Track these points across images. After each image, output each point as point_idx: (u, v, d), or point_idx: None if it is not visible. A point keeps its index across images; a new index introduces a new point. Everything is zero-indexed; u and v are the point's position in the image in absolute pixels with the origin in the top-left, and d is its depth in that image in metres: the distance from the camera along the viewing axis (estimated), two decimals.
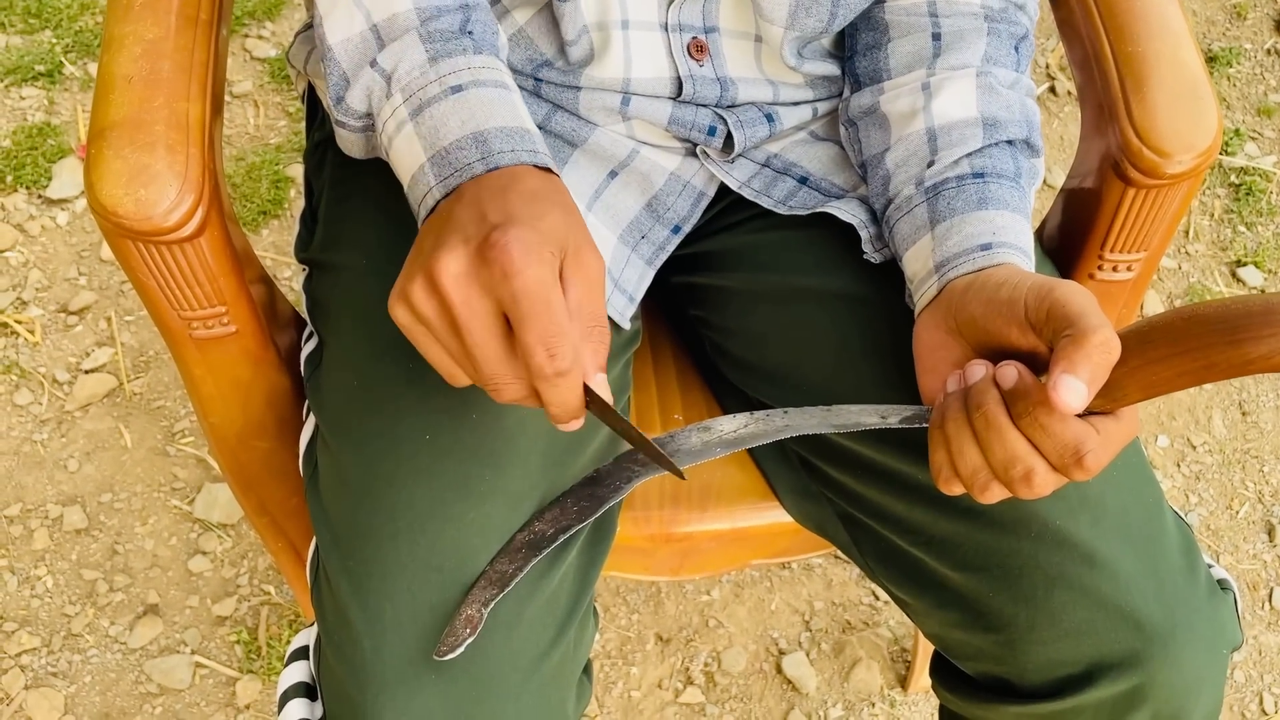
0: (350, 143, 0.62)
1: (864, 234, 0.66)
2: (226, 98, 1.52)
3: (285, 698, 0.61)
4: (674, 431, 0.59)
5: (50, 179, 1.41)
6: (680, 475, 0.54)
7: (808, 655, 1.15)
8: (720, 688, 1.13)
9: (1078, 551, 0.58)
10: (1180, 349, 0.49)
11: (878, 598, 1.20)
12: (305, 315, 0.73)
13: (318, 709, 0.60)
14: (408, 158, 0.56)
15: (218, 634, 1.13)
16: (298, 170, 1.44)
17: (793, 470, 0.72)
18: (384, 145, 0.58)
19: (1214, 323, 0.49)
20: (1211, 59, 1.72)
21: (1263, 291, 1.48)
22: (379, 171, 0.66)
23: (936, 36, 0.66)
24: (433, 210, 0.54)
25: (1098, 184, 0.70)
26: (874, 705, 1.13)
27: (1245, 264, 1.50)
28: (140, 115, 0.62)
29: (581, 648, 0.62)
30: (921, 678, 1.10)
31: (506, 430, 0.60)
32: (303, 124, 1.33)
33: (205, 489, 1.21)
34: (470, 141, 0.54)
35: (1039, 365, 0.52)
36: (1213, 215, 1.54)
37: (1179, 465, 1.33)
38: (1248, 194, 1.56)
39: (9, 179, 1.40)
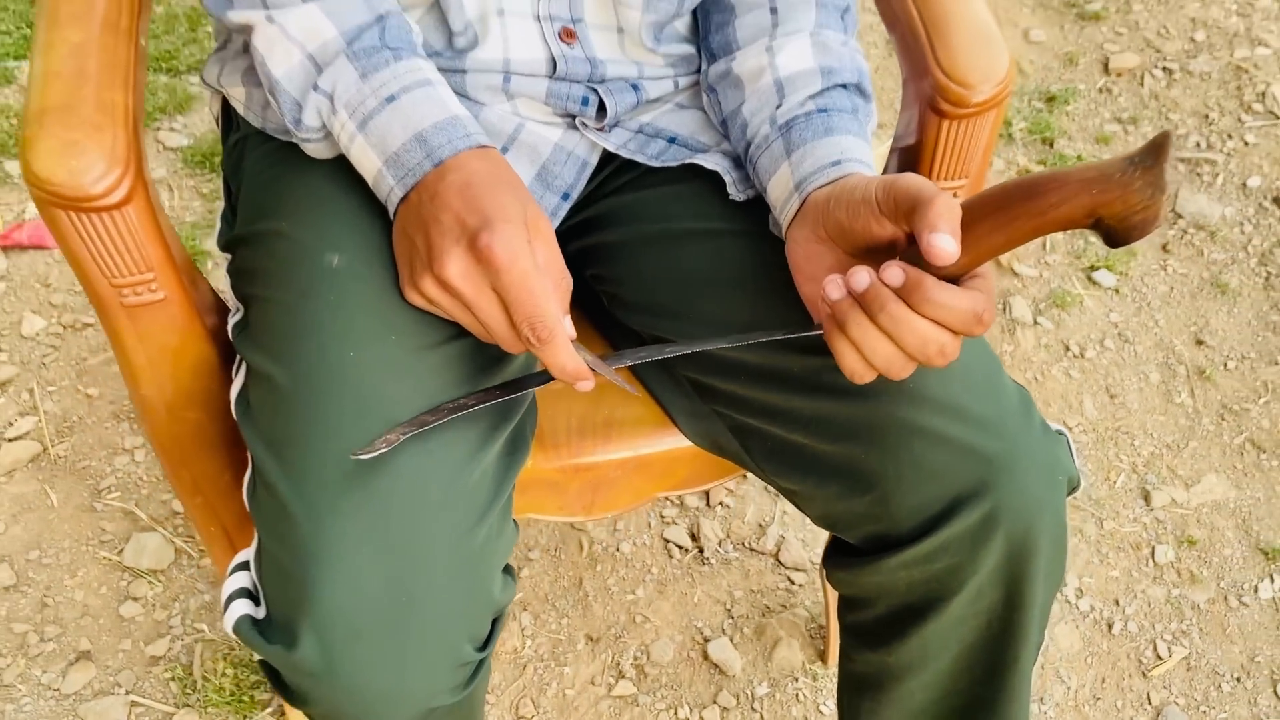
0: (316, 150, 0.71)
1: (728, 178, 0.76)
2: None
3: (229, 600, 0.65)
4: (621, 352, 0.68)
5: None
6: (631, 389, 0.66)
7: (731, 640, 1.20)
8: (651, 678, 1.18)
9: (930, 404, 0.66)
10: (1001, 210, 0.58)
11: (793, 582, 1.26)
12: (229, 295, 0.80)
13: (261, 611, 0.65)
14: (365, 163, 0.66)
15: (152, 673, 1.14)
16: (213, 244, 1.51)
17: (685, 395, 0.80)
18: (344, 149, 0.68)
19: (1021, 189, 0.58)
20: (1051, 99, 1.90)
21: (1116, 291, 1.63)
22: (296, 156, 0.74)
23: (774, 10, 0.77)
24: (402, 201, 0.65)
25: (920, 125, 0.81)
26: (797, 680, 1.18)
27: (1098, 268, 1.64)
28: (69, 102, 0.70)
29: (502, 540, 0.68)
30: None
31: (423, 349, 0.67)
32: (217, 204, 1.41)
33: (134, 538, 1.23)
34: (414, 144, 0.64)
35: (898, 254, 0.61)
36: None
37: None
38: None
39: None
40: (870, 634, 0.76)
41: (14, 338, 1.41)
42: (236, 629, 0.64)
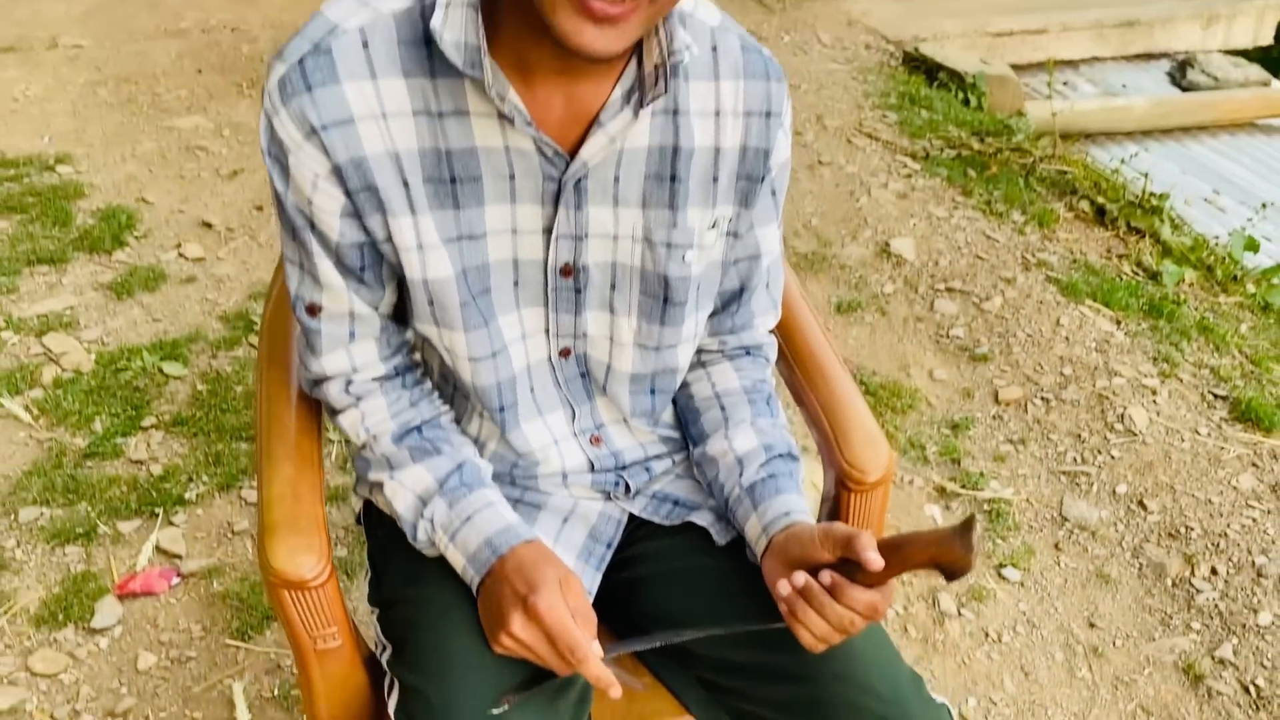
0: (427, 553, 1.09)
1: (712, 530, 1.15)
2: (228, 534, 1.96)
3: None
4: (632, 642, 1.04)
5: (93, 614, 1.78)
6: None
7: None
8: None
9: (856, 684, 1.02)
10: (893, 553, 0.97)
11: None
12: (379, 637, 1.15)
13: None
14: (455, 561, 1.04)
15: None
16: None
17: (697, 689, 1.14)
18: (443, 552, 1.06)
19: (894, 544, 0.97)
20: (955, 425, 2.36)
21: (1022, 584, 2.01)
22: (422, 556, 1.12)
23: (724, 408, 1.18)
24: (481, 583, 1.01)
25: (834, 493, 1.22)
26: None
27: (1005, 565, 2.03)
28: (290, 518, 1.08)
29: None
30: None
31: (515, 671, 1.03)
32: None
33: None
34: (484, 545, 1.02)
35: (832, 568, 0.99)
36: None
37: (986, 717, 1.76)
38: (997, 516, 2.13)
39: (60, 617, 1.77)
40: None
41: (130, 672, 1.72)
42: None
